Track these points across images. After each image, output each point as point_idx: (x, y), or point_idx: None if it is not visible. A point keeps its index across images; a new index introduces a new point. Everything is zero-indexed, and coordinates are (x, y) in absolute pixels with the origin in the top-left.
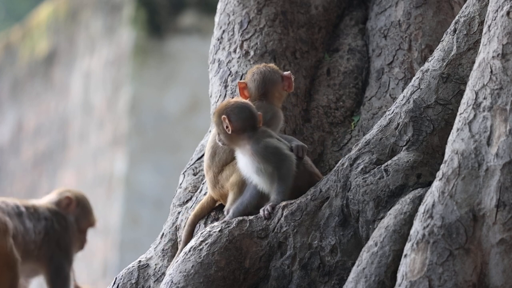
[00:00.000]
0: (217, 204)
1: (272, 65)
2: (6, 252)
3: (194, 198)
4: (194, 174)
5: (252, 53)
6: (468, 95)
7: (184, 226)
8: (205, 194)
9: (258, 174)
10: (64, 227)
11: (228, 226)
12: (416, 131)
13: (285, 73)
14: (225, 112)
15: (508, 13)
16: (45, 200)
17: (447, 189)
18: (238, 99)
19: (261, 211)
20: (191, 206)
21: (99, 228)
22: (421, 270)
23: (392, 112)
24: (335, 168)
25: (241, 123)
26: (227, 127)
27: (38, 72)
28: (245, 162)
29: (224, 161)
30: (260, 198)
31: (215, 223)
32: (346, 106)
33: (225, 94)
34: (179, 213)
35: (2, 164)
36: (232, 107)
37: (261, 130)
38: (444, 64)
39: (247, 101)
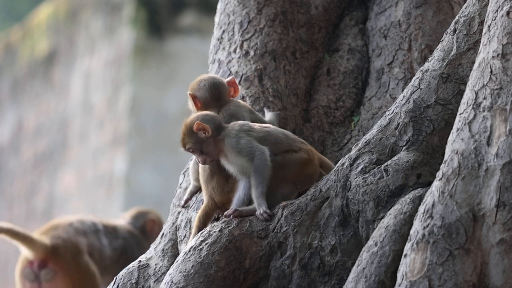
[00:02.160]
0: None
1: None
2: (82, 269)
3: (194, 198)
4: None
5: (252, 53)
6: (468, 95)
7: (190, 234)
8: None
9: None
10: (140, 248)
11: (228, 226)
12: (416, 131)
13: (228, 79)
14: (195, 121)
15: (508, 13)
16: (124, 220)
17: (447, 189)
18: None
19: (258, 215)
20: (191, 206)
21: None
22: (421, 270)
23: (392, 112)
24: (335, 168)
25: (213, 123)
26: (205, 132)
27: (38, 72)
28: (228, 161)
29: None
30: None
31: (215, 223)
32: (346, 106)
33: None
34: (179, 213)
35: (2, 164)
36: (197, 116)
37: (232, 125)
38: (444, 64)
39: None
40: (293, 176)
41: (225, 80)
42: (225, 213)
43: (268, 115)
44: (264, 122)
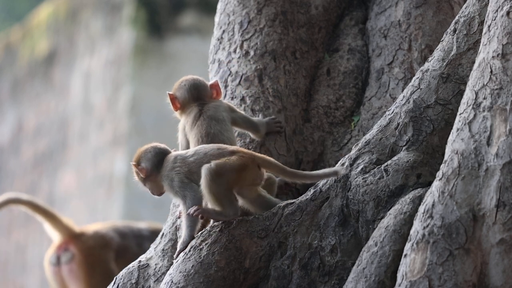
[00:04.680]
0: None
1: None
2: (103, 263)
3: None
4: None
5: (252, 53)
6: (468, 95)
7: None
8: None
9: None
10: None
11: (228, 226)
12: (416, 131)
13: (212, 81)
14: (134, 161)
15: (508, 13)
16: None
17: (447, 189)
18: None
19: (177, 251)
20: None
21: None
22: (421, 270)
23: (392, 112)
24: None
25: (151, 162)
26: (138, 173)
27: (38, 72)
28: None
29: None
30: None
31: (215, 223)
32: (346, 106)
33: (225, 94)
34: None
35: (2, 164)
36: (138, 154)
37: (166, 161)
38: (444, 64)
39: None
40: (232, 182)
41: (209, 83)
42: (188, 211)
43: (258, 118)
44: (248, 119)
